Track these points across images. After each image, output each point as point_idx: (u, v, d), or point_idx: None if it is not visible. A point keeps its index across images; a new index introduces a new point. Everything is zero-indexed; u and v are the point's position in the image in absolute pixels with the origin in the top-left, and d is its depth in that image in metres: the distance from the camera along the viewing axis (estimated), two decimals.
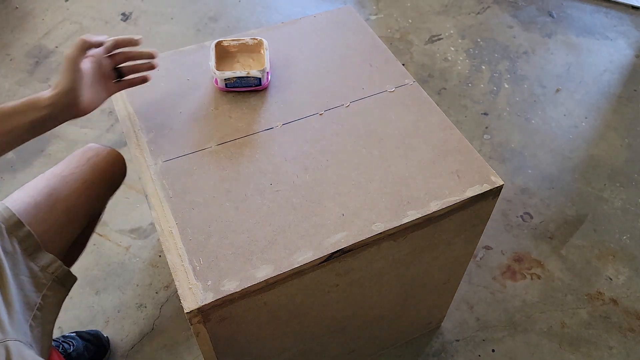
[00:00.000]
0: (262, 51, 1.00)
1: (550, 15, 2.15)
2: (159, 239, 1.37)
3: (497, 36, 2.05)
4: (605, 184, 1.58)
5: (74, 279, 0.91)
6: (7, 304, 0.78)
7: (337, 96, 0.97)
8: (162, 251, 1.40)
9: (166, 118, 0.93)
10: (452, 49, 1.99)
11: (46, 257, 0.86)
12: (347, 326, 0.99)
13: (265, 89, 0.98)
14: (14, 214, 0.83)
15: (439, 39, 2.03)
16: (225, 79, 0.94)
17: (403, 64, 1.23)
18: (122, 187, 1.52)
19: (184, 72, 1.01)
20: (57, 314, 0.89)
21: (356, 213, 0.80)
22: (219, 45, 0.99)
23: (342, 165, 0.86)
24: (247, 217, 0.79)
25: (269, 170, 0.85)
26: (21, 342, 0.77)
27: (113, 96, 0.93)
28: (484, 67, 1.92)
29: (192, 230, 0.77)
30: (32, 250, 0.84)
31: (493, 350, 1.24)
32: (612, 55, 1.98)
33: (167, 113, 0.94)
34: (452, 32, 2.07)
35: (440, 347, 1.25)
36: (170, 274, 1.22)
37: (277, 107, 0.95)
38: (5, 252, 0.80)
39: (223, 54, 1.00)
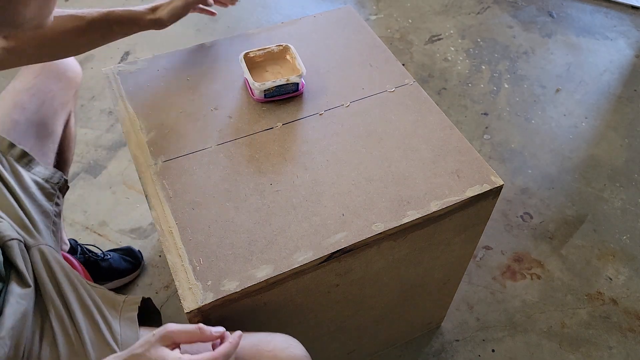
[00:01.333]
0: (287, 57, 1.01)
1: (550, 15, 2.15)
2: (159, 239, 1.37)
3: (497, 36, 2.05)
4: (605, 184, 1.58)
5: (67, 187, 0.98)
6: (28, 215, 0.84)
7: (337, 96, 0.97)
8: (162, 251, 1.40)
9: (166, 118, 0.93)
10: (452, 49, 1.99)
11: (45, 170, 0.92)
12: (347, 326, 0.99)
13: (301, 94, 0.97)
14: (4, 138, 0.87)
15: (439, 39, 2.03)
16: (265, 90, 0.93)
17: (403, 64, 1.23)
18: (122, 187, 1.54)
19: (184, 72, 1.01)
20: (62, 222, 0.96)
21: (356, 213, 0.80)
22: (246, 57, 0.98)
23: (342, 165, 0.86)
24: (247, 217, 0.79)
25: (269, 170, 0.85)
26: (52, 247, 0.83)
27: (113, 96, 0.96)
28: (484, 67, 1.92)
29: (192, 230, 0.77)
30: (30, 166, 0.90)
31: (493, 350, 1.24)
32: (612, 55, 1.98)
33: (167, 113, 0.94)
34: (452, 32, 2.07)
35: (440, 347, 1.25)
36: (170, 274, 1.22)
37: (276, 107, 0.95)
38: (7, 171, 0.86)
39: (251, 65, 0.99)
